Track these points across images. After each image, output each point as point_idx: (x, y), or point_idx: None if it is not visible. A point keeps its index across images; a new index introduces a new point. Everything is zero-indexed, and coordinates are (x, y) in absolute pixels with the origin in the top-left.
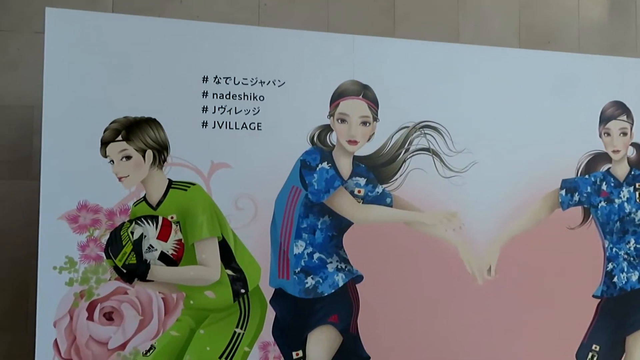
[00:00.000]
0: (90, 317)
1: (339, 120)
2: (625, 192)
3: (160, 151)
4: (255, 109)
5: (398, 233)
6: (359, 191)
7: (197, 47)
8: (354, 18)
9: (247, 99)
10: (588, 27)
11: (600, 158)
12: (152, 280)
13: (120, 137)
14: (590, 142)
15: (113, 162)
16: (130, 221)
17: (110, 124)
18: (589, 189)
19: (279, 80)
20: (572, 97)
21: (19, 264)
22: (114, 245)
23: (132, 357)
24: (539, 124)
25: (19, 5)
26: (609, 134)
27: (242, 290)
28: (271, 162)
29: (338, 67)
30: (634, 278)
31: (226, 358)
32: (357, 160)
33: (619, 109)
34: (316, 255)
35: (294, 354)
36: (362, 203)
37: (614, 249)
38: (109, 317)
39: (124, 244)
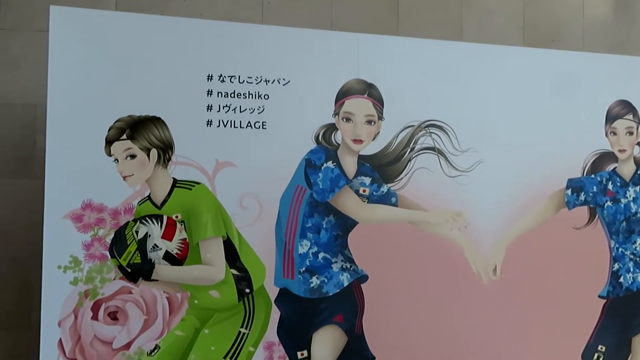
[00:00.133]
0: (94, 317)
1: (344, 119)
2: (631, 192)
3: (165, 150)
4: (260, 107)
5: (403, 232)
6: (364, 190)
7: (202, 45)
8: (357, 16)
9: (252, 97)
10: (593, 25)
11: (606, 157)
12: (157, 280)
13: (124, 136)
14: (596, 141)
15: (117, 160)
16: (135, 220)
17: (115, 122)
18: (595, 189)
19: (284, 79)
20: (578, 95)
21: (22, 263)
22: (118, 244)
23: (137, 356)
24: (545, 123)
25: (21, 4)
26: (615, 133)
27: (247, 290)
28: (276, 161)
29: (343, 66)
30: None
31: (231, 358)
32: (362, 159)
33: (625, 107)
34: (321, 255)
35: (298, 354)
36: (367, 202)
37: (620, 249)
38: (113, 316)
39: (128, 243)
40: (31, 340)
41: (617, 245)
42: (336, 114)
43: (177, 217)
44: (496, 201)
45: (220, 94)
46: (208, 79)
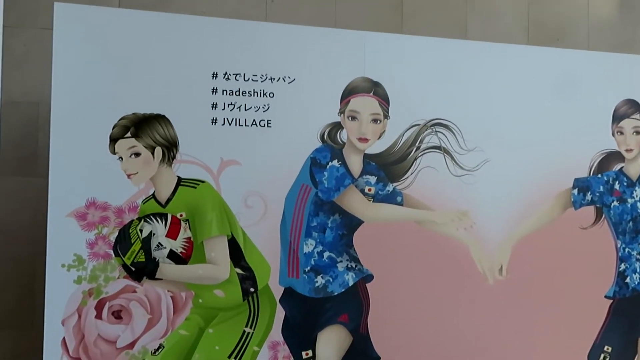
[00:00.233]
0: (98, 316)
1: (350, 118)
2: (638, 192)
3: (170, 148)
4: (265, 105)
5: (409, 232)
6: (370, 189)
7: (207, 43)
8: (361, 15)
9: (257, 95)
10: (598, 24)
11: (613, 157)
12: (161, 279)
13: (129, 134)
14: (603, 140)
15: (122, 159)
16: (139, 219)
17: (119, 120)
18: (601, 188)
19: (289, 77)
20: (585, 95)
21: (24, 261)
22: (122, 243)
23: (141, 356)
24: (551, 122)
25: (25, 1)
26: (621, 133)
27: (252, 289)
28: (281, 159)
29: (349, 64)
30: None
31: (235, 357)
32: (367, 158)
33: (632, 107)
34: (326, 254)
35: (303, 353)
36: (373, 201)
37: (627, 249)
38: (117, 315)
39: (132, 241)
40: (34, 339)
41: (623, 246)
42: (342, 112)
43: (181, 215)
44: (502, 201)
45: (225, 92)
46: (213, 76)
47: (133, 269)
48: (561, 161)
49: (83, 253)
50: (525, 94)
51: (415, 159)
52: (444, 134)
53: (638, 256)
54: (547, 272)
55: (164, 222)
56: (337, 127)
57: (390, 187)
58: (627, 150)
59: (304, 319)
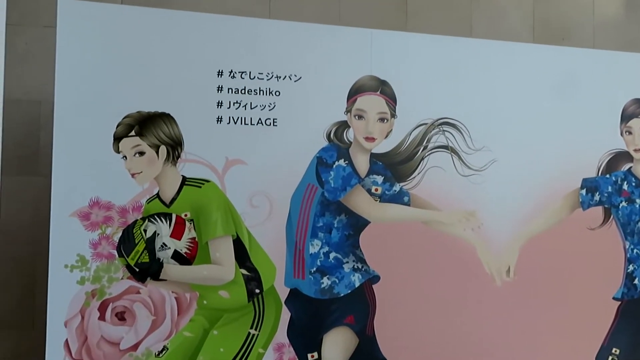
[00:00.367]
0: (101, 317)
1: (356, 117)
2: None
3: (174, 147)
4: (271, 104)
5: (415, 232)
6: (376, 189)
7: (212, 40)
8: (365, 13)
9: (263, 94)
10: (603, 23)
11: (621, 157)
12: (165, 280)
13: (133, 132)
14: (611, 140)
15: (126, 157)
16: (143, 219)
17: (123, 118)
18: (609, 189)
19: (295, 75)
20: (593, 94)
21: (26, 261)
22: (126, 243)
23: (145, 358)
24: (559, 122)
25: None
26: (630, 132)
27: (257, 290)
28: (287, 158)
29: (355, 62)
30: None
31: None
32: (374, 157)
33: None
34: (332, 255)
35: (309, 355)
36: (379, 201)
37: (635, 250)
38: (121, 316)
39: (136, 242)
40: (35, 339)
41: (632, 247)
42: (348, 111)
43: (186, 215)
44: (510, 201)
45: (230, 90)
46: (218, 74)
47: (137, 270)
48: (569, 161)
49: (86, 253)
50: (533, 93)
51: (423, 159)
52: (452, 133)
53: None
54: (555, 273)
55: (168, 222)
56: (343, 126)
57: (397, 187)
58: (635, 150)
59: (309, 321)
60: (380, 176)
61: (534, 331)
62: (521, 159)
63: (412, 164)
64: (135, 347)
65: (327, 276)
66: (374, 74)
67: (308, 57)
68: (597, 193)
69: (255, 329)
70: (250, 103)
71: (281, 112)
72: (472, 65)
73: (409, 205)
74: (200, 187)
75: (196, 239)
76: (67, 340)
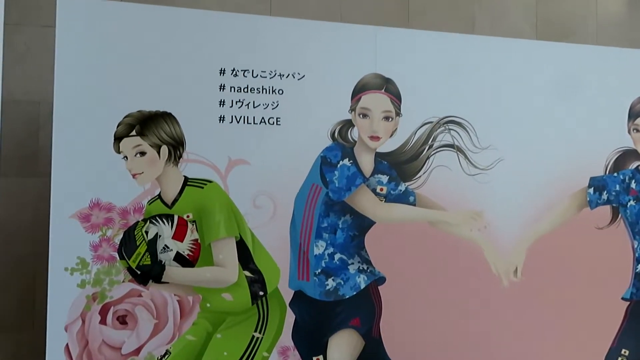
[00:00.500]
0: (103, 321)
1: (361, 115)
2: None
3: (176, 147)
4: (274, 103)
5: (421, 233)
6: (381, 189)
7: (214, 38)
8: (367, 11)
9: (266, 92)
10: (606, 21)
11: (629, 155)
12: (167, 282)
13: (134, 132)
14: (619, 138)
15: (127, 158)
16: (145, 220)
17: (124, 118)
18: (617, 188)
19: (299, 73)
20: (600, 92)
21: (25, 263)
22: (127, 245)
23: None
24: (566, 120)
25: None
26: (638, 130)
27: (261, 293)
28: (290, 158)
29: (360, 60)
30: None
31: None
32: (379, 156)
33: None
34: (337, 256)
35: (314, 358)
36: (385, 201)
37: None
38: (122, 320)
39: (138, 244)
40: (34, 342)
41: None
42: (352, 109)
43: (188, 216)
44: (517, 200)
45: (233, 89)
46: (220, 73)
47: (138, 272)
48: (576, 160)
49: (87, 256)
50: (539, 91)
51: (428, 158)
52: (457, 132)
53: None
54: (563, 274)
55: (170, 224)
56: (347, 125)
57: (402, 187)
58: None
59: (314, 323)
60: (385, 175)
61: (542, 333)
62: (528, 157)
63: (418, 163)
64: (137, 351)
65: (332, 278)
66: (379, 71)
67: (311, 54)
68: (605, 192)
69: (260, 332)
70: (253, 102)
71: (284, 111)
72: (478, 62)
73: (414, 205)
74: (202, 187)
75: (199, 241)
76: (67, 344)
